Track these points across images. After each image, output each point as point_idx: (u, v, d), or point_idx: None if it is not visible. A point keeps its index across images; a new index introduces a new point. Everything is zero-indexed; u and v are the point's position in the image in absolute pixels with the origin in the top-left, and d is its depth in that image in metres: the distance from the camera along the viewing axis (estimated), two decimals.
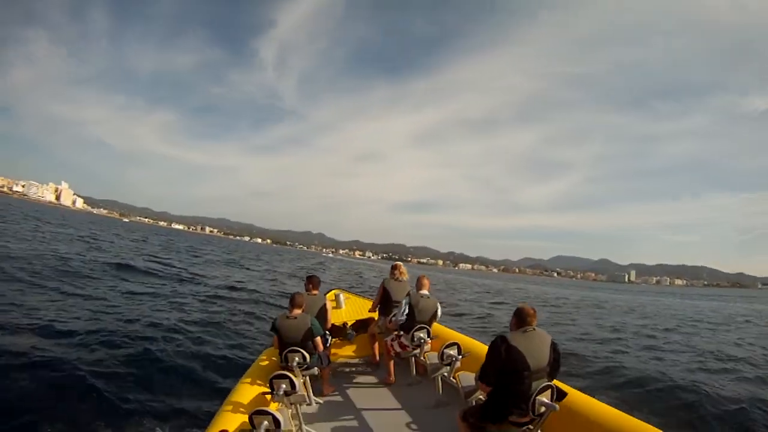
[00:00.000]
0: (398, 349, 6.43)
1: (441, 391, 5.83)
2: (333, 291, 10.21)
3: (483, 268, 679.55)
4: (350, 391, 6.42)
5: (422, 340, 6.15)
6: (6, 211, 65.94)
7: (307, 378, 5.62)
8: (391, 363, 6.71)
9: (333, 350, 7.20)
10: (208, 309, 15.37)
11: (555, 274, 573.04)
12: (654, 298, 63.92)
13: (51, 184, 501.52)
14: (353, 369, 7.39)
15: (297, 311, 5.79)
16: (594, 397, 4.56)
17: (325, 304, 6.74)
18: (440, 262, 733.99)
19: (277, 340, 5.77)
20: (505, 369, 3.68)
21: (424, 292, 6.51)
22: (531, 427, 3.74)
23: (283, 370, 5.20)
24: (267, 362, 6.13)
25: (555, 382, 3.91)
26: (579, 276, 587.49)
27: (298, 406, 4.81)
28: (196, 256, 44.64)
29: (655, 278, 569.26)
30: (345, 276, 48.86)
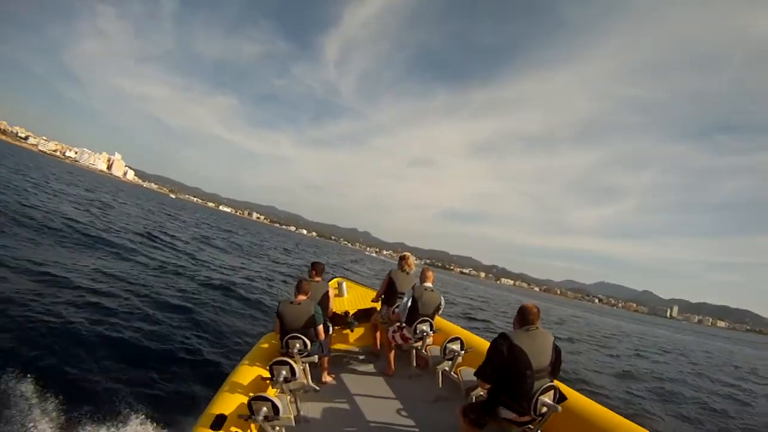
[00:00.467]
0: (400, 341, 6.37)
1: (441, 386, 5.79)
2: (336, 279, 10.02)
3: (525, 285, 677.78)
4: (349, 381, 6.41)
5: (425, 333, 6.08)
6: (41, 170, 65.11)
7: (307, 365, 5.59)
8: (392, 354, 6.71)
9: (333, 339, 7.09)
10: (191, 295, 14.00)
11: (596, 300, 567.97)
12: (703, 340, 61.48)
13: (104, 153, 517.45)
14: (353, 358, 7.35)
15: (302, 297, 5.79)
16: (596, 401, 4.48)
17: (327, 291, 6.70)
18: (482, 274, 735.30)
19: (279, 325, 5.70)
20: (506, 367, 3.69)
21: (428, 284, 6.40)
22: (531, 426, 3.76)
23: (284, 356, 5.24)
24: (267, 347, 6.09)
25: (556, 383, 3.90)
26: (620, 305, 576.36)
27: (296, 393, 4.99)
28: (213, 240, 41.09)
29: (697, 317, 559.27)
30: (380, 274, 46.73)
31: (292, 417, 4.22)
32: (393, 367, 6.70)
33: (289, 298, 5.82)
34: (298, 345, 5.41)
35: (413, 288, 6.41)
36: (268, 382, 4.94)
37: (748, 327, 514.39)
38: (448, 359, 5.60)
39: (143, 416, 6.14)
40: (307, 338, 5.50)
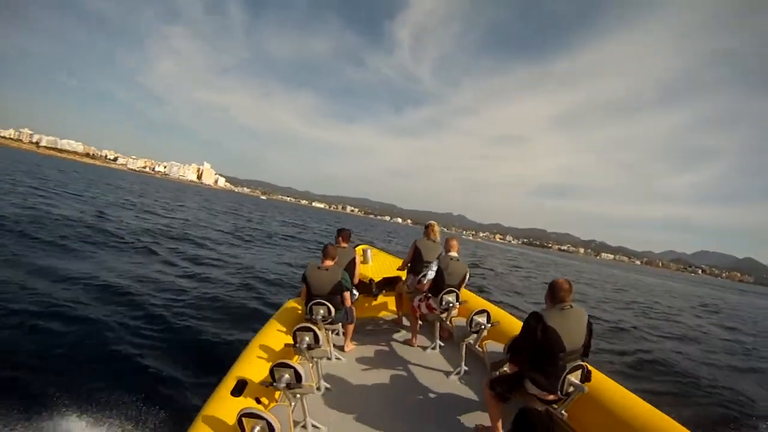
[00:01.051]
0: (425, 311, 6.27)
1: (465, 359, 5.64)
2: (361, 246, 9.84)
3: (625, 259, 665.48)
4: (372, 350, 6.40)
5: (450, 304, 5.93)
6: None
7: (330, 332, 5.74)
8: (417, 325, 6.62)
9: (357, 307, 6.89)
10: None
11: (699, 271, 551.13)
12: None
13: (193, 164, 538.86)
14: (377, 327, 7.38)
15: (329, 263, 5.69)
16: (621, 384, 4.33)
17: (354, 258, 6.64)
18: (581, 250, 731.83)
19: (305, 290, 5.68)
20: (539, 349, 3.58)
21: (453, 254, 6.16)
22: (556, 406, 3.76)
23: (308, 321, 5.26)
24: (291, 312, 6.17)
25: (585, 363, 3.82)
26: (724, 275, 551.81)
27: (319, 360, 4.93)
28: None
29: None
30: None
31: (314, 385, 4.19)
32: (417, 337, 6.64)
33: (316, 263, 5.72)
34: (322, 311, 5.42)
35: (439, 258, 6.21)
36: (290, 348, 4.76)
37: None
38: (474, 332, 5.38)
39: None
40: (332, 305, 5.48)
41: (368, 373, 5.58)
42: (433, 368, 5.77)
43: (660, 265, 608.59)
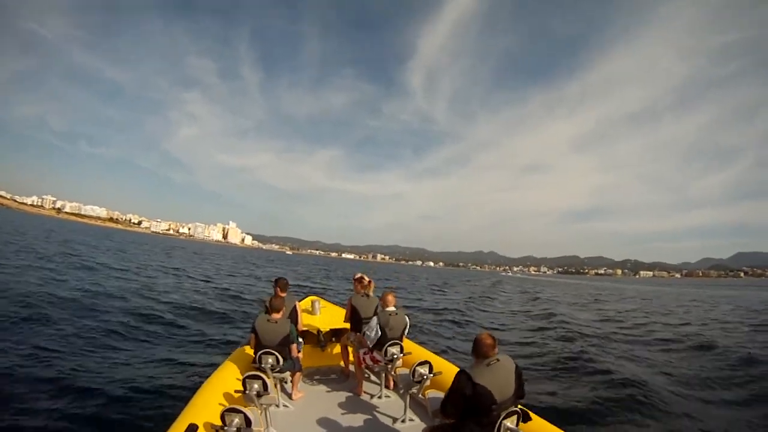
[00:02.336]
0: (370, 363, 6.52)
1: (409, 407, 5.79)
2: (309, 297, 10.24)
3: (665, 274, 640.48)
4: (319, 398, 6.62)
5: (395, 356, 6.20)
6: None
7: (279, 381, 5.92)
8: (362, 374, 6.91)
9: (305, 356, 7.36)
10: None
11: (741, 274, 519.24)
12: None
13: (219, 224, 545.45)
14: (324, 377, 7.59)
15: (276, 315, 5.99)
16: (556, 425, 4.66)
17: (295, 306, 6.99)
18: (619, 271, 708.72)
19: (254, 340, 5.93)
20: (471, 405, 3.67)
21: (391, 308, 6.46)
22: None
23: (257, 370, 5.45)
24: (240, 360, 6.36)
25: (520, 406, 3.97)
26: (745, 273, 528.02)
27: (267, 407, 5.02)
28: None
29: None
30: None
31: (263, 430, 4.39)
32: (362, 387, 6.80)
33: (265, 315, 6.00)
34: (271, 360, 5.64)
35: (378, 315, 6.45)
36: (240, 394, 4.98)
37: None
38: (417, 382, 5.54)
39: None
40: (281, 355, 5.71)
41: (316, 420, 5.70)
42: (378, 416, 5.91)
43: (700, 274, 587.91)
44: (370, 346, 6.33)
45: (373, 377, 7.15)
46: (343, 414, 5.95)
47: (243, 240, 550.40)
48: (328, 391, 6.83)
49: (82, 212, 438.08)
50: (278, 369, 5.66)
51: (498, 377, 3.65)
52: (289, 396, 6.30)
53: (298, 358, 6.28)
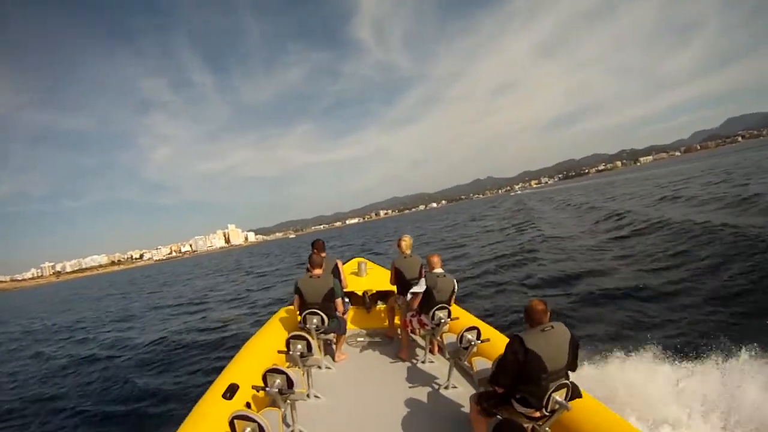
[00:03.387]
0: (417, 326, 6.32)
1: (454, 374, 5.65)
2: (356, 259, 10.10)
3: (663, 155, 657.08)
4: (363, 361, 6.54)
5: (442, 320, 5.97)
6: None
7: (323, 342, 5.96)
8: (408, 339, 6.72)
9: (351, 319, 7.60)
10: None
11: (739, 139, 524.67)
12: None
13: (219, 231, 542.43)
14: (368, 340, 7.42)
15: (318, 271, 5.98)
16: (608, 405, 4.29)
17: (337, 264, 6.94)
18: (618, 163, 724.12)
19: (298, 300, 5.93)
20: (522, 371, 3.60)
21: (438, 270, 6.23)
22: (540, 423, 3.77)
23: (301, 330, 5.50)
24: (284, 319, 6.48)
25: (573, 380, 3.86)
26: (765, 132, 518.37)
27: (310, 368, 5.10)
28: None
29: None
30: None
31: (305, 392, 4.43)
32: (407, 351, 6.64)
33: (307, 273, 6.03)
34: (315, 320, 5.62)
35: (426, 277, 6.21)
36: (283, 355, 4.99)
37: None
38: (464, 348, 5.23)
39: None
40: (325, 313, 5.70)
41: (358, 383, 5.73)
42: (422, 382, 5.77)
43: (698, 148, 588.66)
44: (417, 304, 6.15)
45: (419, 341, 6.98)
46: (386, 378, 5.90)
47: (246, 238, 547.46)
48: (373, 355, 6.77)
49: (84, 266, 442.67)
50: (323, 330, 5.68)
51: (551, 344, 3.56)
52: (333, 358, 6.37)
53: (344, 319, 6.26)
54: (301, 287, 5.77)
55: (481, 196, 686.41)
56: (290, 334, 4.90)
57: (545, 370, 3.46)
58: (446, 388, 5.50)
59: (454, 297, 6.27)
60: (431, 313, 5.91)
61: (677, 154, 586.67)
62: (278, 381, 3.82)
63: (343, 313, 6.31)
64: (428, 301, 6.00)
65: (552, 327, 3.62)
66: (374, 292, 8.02)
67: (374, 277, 8.89)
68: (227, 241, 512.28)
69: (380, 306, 8.02)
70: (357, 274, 8.94)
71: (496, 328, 6.20)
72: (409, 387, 5.62)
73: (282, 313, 6.72)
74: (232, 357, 5.30)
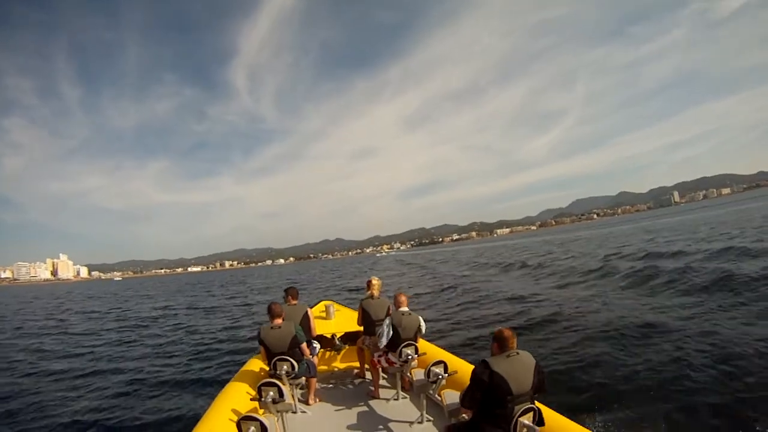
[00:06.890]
0: (385, 365, 6.51)
1: (426, 408, 5.79)
2: (323, 302, 10.17)
3: (520, 228, 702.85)
4: (336, 403, 6.60)
5: (409, 357, 6.18)
6: None
7: (294, 387, 6.06)
8: (378, 377, 6.85)
9: (321, 361, 7.78)
10: None
11: (594, 216, 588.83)
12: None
13: (48, 260, 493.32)
14: (340, 381, 7.62)
15: (278, 321, 6.03)
16: (578, 422, 4.41)
17: (307, 312, 7.03)
18: (474, 234, 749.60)
19: (264, 350, 5.95)
20: (488, 395, 3.77)
21: (404, 309, 6.57)
22: None
23: (272, 377, 5.53)
24: (254, 368, 6.52)
25: (539, 405, 3.96)
26: (597, 214, 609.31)
27: (284, 414, 5.16)
28: None
29: (702, 193, 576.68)
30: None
31: None
32: (378, 390, 6.77)
33: (267, 324, 6.05)
34: (285, 367, 5.69)
35: (391, 315, 6.52)
36: (255, 403, 5.06)
37: (745, 186, 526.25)
38: (432, 382, 5.51)
39: None
40: (294, 359, 5.77)
41: (333, 425, 5.76)
42: (394, 418, 5.87)
43: (554, 224, 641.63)
44: (382, 347, 6.38)
45: (389, 379, 7.15)
46: (359, 418, 5.97)
47: (78, 273, 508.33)
48: (345, 395, 6.88)
49: None
50: (293, 375, 5.70)
51: (516, 369, 3.73)
52: (306, 401, 6.39)
53: (313, 362, 6.34)
54: (264, 339, 5.83)
55: (330, 256, 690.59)
56: (261, 382, 4.90)
57: (510, 392, 3.63)
58: (419, 422, 5.65)
59: (420, 334, 6.58)
60: (398, 351, 6.10)
61: (534, 228, 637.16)
62: (252, 428, 3.83)
63: (312, 356, 6.53)
64: (395, 340, 6.23)
65: (518, 353, 3.84)
66: (342, 333, 8.19)
67: (342, 319, 9.05)
68: (53, 273, 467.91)
69: (350, 347, 8.13)
70: (325, 317, 9.05)
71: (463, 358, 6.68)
72: (383, 424, 5.74)
73: (250, 363, 6.73)
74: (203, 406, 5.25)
